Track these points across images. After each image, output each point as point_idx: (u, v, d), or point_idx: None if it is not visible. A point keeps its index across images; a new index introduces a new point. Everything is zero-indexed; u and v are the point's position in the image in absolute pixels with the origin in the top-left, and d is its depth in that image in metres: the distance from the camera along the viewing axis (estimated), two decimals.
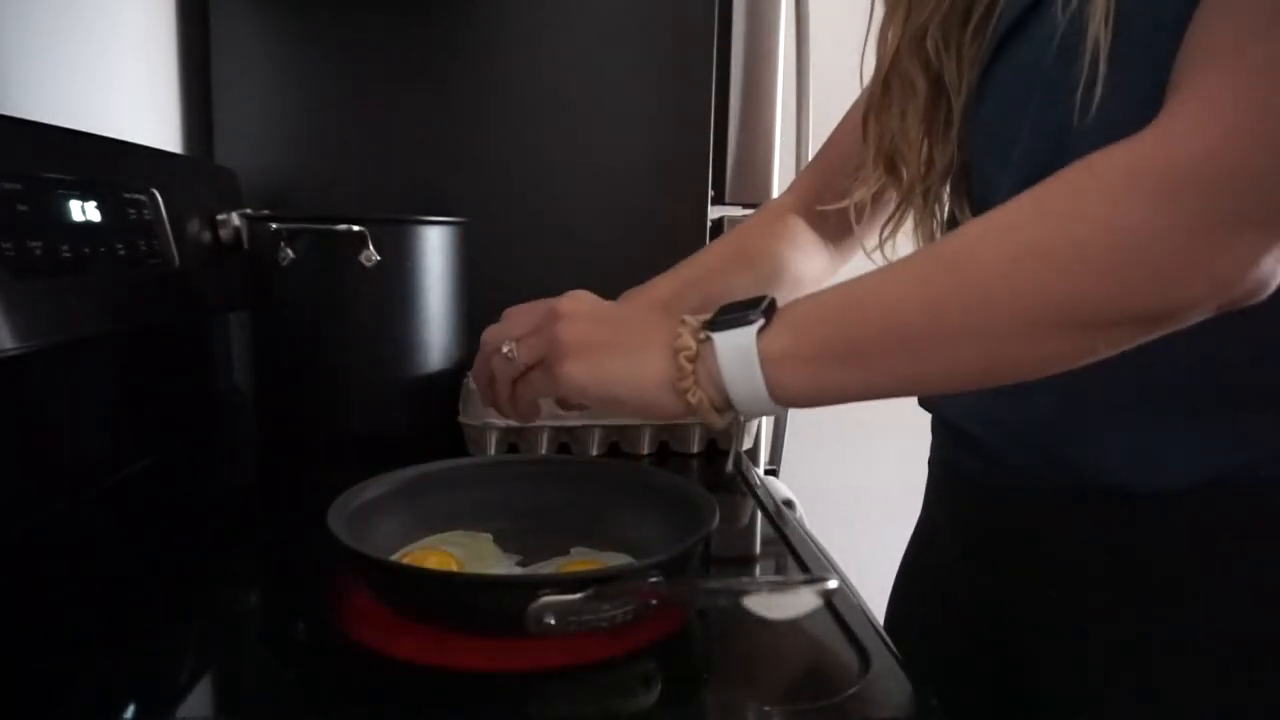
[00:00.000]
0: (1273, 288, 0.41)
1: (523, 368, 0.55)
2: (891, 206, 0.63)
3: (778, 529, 0.69)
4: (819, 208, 0.72)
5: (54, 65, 0.83)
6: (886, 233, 0.64)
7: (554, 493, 0.64)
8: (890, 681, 0.45)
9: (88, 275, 0.69)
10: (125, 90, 0.97)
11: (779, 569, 0.64)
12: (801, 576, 0.55)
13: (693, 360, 0.49)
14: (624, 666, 0.46)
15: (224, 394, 1.01)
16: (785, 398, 0.48)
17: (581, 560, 0.58)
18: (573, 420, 0.83)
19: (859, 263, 0.62)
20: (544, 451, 0.84)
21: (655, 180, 1.14)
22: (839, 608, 0.51)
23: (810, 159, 0.79)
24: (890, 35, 0.59)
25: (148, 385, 0.83)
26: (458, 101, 1.11)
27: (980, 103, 0.55)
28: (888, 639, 0.49)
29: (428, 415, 0.87)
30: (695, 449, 0.88)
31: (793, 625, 0.47)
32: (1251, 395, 0.48)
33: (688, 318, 0.50)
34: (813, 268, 0.73)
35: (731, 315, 0.48)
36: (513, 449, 0.84)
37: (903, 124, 0.59)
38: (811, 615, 0.45)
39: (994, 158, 0.54)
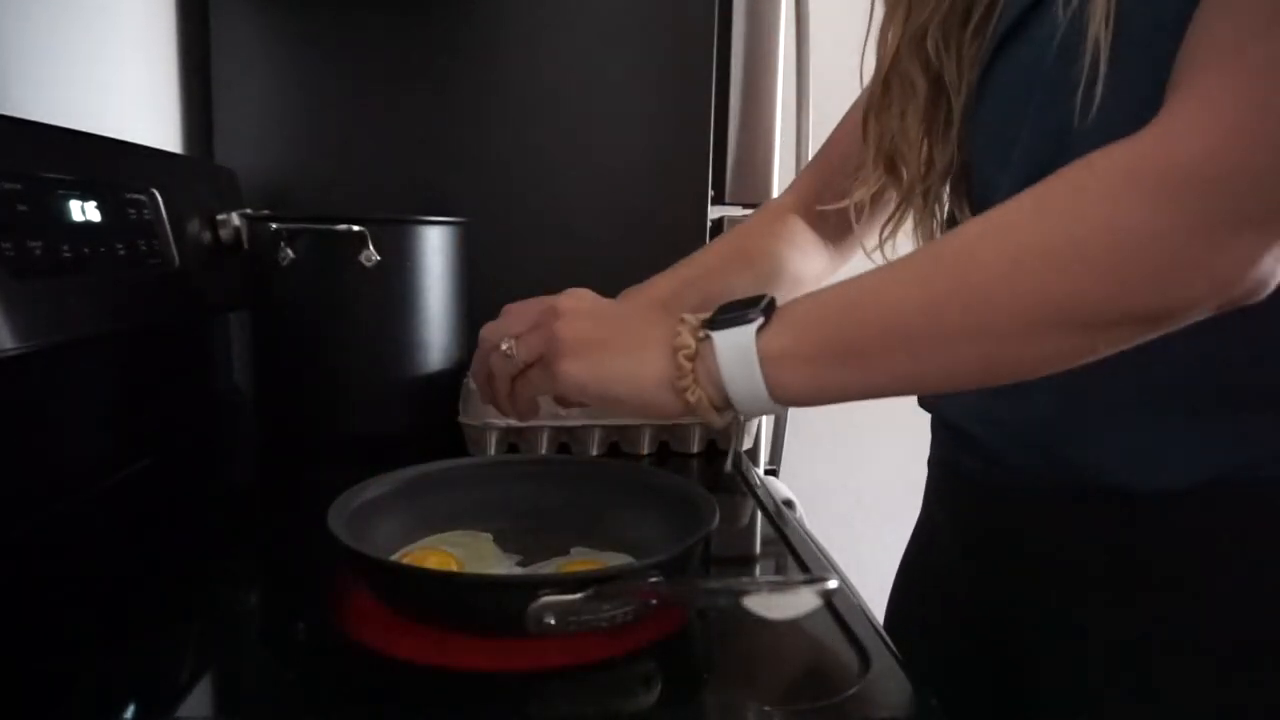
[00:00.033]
0: (1272, 287, 0.42)
1: (521, 365, 0.55)
2: (891, 206, 0.63)
3: (778, 529, 0.69)
4: (819, 207, 0.72)
5: (54, 65, 0.83)
6: (886, 233, 0.64)
7: (554, 493, 0.64)
8: (890, 681, 0.45)
9: (88, 275, 0.69)
10: (125, 90, 0.97)
11: (779, 569, 0.64)
12: (801, 576, 0.55)
13: (692, 359, 0.49)
14: (624, 666, 0.46)
15: (224, 394, 1.01)
16: (784, 397, 0.48)
17: (581, 560, 0.58)
18: (573, 420, 0.83)
19: (859, 262, 0.62)
20: (544, 451, 0.84)
21: (655, 180, 1.14)
22: (839, 608, 0.51)
23: (810, 159, 0.79)
24: (890, 35, 0.59)
25: (148, 385, 0.83)
26: (458, 101, 1.11)
27: (980, 103, 0.55)
28: (888, 639, 0.49)
29: (428, 415, 0.87)
30: (695, 449, 0.88)
31: (793, 625, 0.47)
32: (1251, 395, 0.48)
33: (687, 316, 0.50)
34: (812, 267, 0.73)
35: (731, 314, 0.48)
36: (513, 449, 0.84)
37: (903, 124, 0.59)
38: (811, 615, 0.45)
39: (994, 158, 0.54)
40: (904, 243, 0.63)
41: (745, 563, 0.67)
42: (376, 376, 0.87)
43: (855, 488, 1.86)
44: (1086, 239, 0.41)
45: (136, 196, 0.79)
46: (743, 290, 0.51)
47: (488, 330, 0.58)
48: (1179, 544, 0.50)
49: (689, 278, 0.69)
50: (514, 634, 0.45)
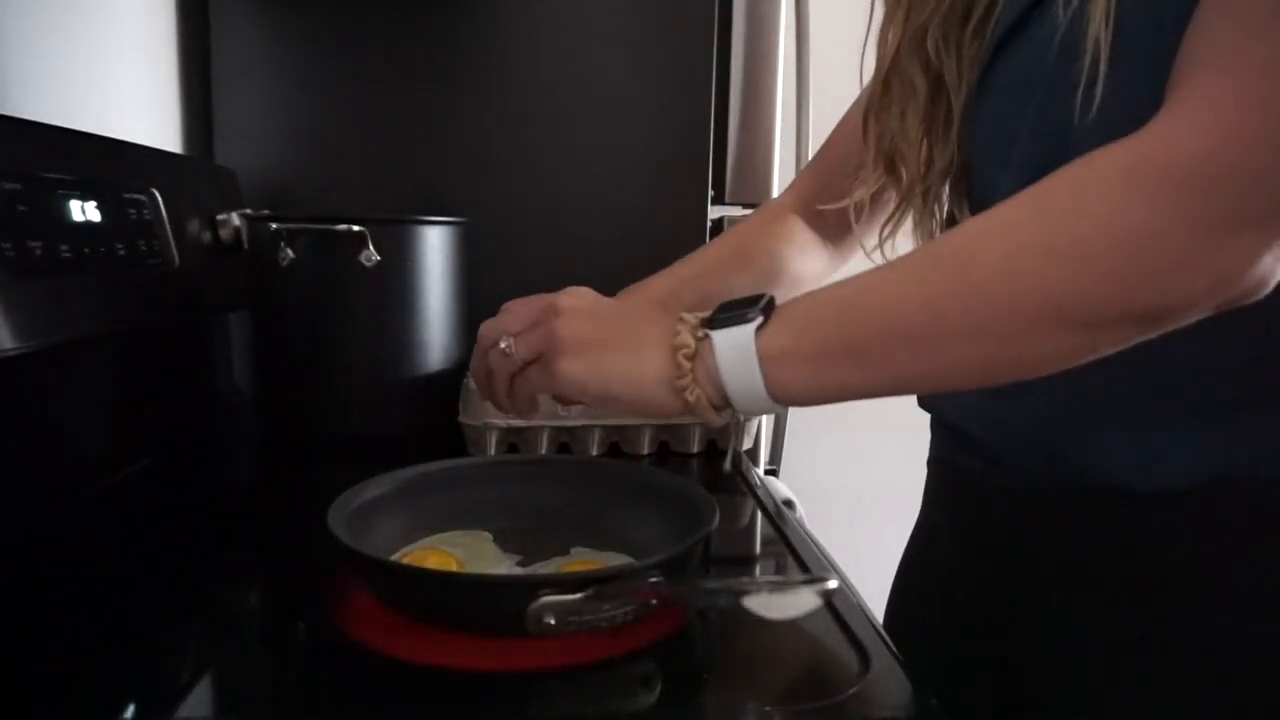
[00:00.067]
0: (1272, 286, 0.42)
1: (520, 364, 0.55)
2: (891, 206, 0.63)
3: (778, 529, 0.69)
4: (818, 207, 0.72)
5: (54, 65, 0.83)
6: (886, 232, 0.64)
7: (554, 493, 0.64)
8: (890, 681, 0.45)
9: (88, 275, 0.69)
10: (125, 90, 0.97)
11: (779, 569, 0.64)
12: (801, 576, 0.55)
13: (691, 358, 0.48)
14: (624, 666, 0.46)
15: (224, 394, 1.01)
16: (784, 396, 0.48)
17: (581, 560, 0.58)
18: (573, 420, 0.83)
19: (859, 262, 0.62)
20: (544, 451, 0.84)
21: (655, 180, 1.14)
22: (839, 608, 0.51)
23: (810, 159, 0.79)
24: (890, 35, 0.59)
25: (148, 385, 0.83)
26: (458, 101, 1.11)
27: (980, 102, 0.55)
28: (888, 639, 0.49)
29: (428, 415, 0.87)
30: (695, 449, 0.88)
31: (793, 625, 0.47)
32: (1251, 395, 0.48)
33: (686, 315, 0.50)
34: (812, 267, 0.73)
35: (730, 313, 0.48)
36: (513, 449, 0.84)
37: (903, 124, 0.59)
38: (811, 615, 0.45)
39: (994, 157, 0.54)
40: (904, 242, 0.63)
41: (745, 563, 0.67)
42: (376, 376, 0.87)
43: (855, 488, 1.86)
44: (1087, 238, 0.41)
45: (136, 196, 0.79)
46: (742, 290, 0.51)
47: (487, 327, 0.58)
48: (1179, 544, 0.50)
49: (688, 276, 0.69)
50: (514, 634, 0.45)
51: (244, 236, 0.91)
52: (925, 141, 0.59)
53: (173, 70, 1.07)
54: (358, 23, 1.10)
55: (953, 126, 0.58)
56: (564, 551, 0.59)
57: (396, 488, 0.61)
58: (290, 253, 0.82)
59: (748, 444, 0.94)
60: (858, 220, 0.66)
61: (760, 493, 0.77)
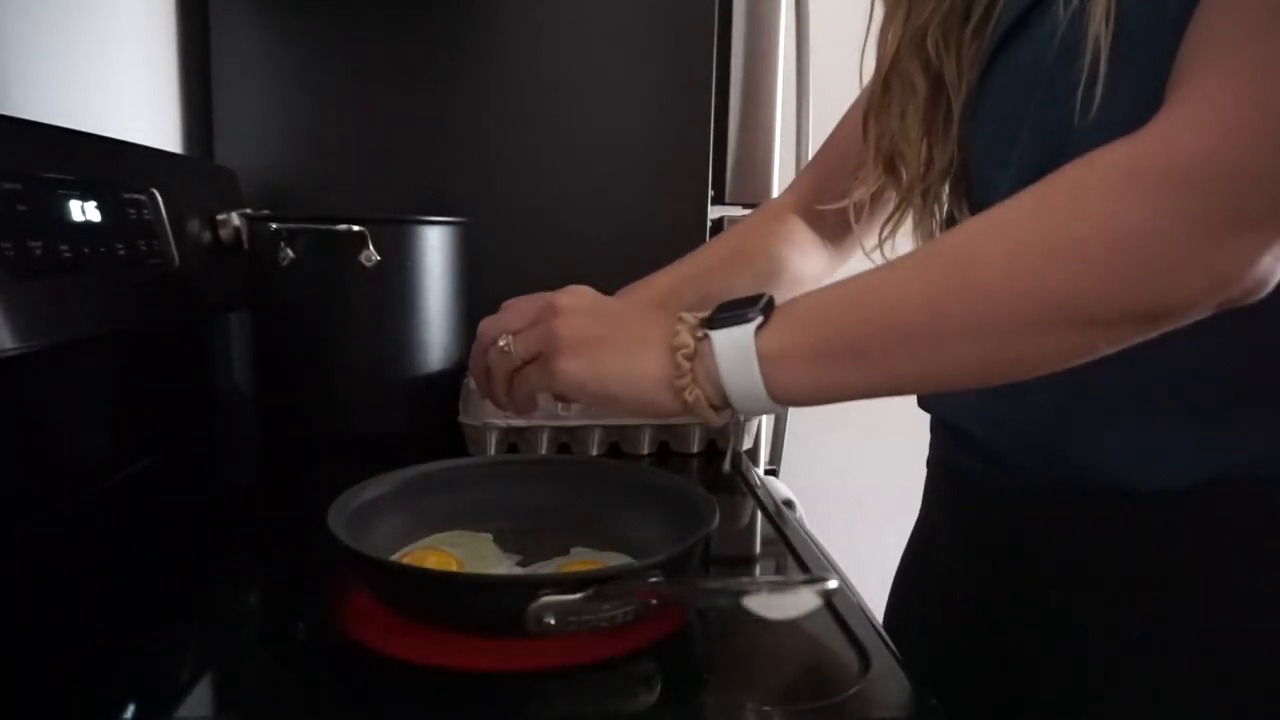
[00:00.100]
0: (1272, 286, 0.42)
1: (519, 362, 0.55)
2: (891, 206, 0.63)
3: (778, 529, 0.69)
4: (818, 207, 0.72)
5: (54, 65, 0.83)
6: (886, 232, 0.64)
7: (554, 493, 0.64)
8: (890, 681, 0.45)
9: (88, 275, 0.69)
10: (125, 90, 0.97)
11: (779, 569, 0.64)
12: (801, 576, 0.55)
13: (690, 358, 0.48)
14: (624, 666, 0.46)
15: (224, 394, 1.01)
16: (783, 396, 0.48)
17: (581, 560, 0.57)
18: (573, 420, 0.83)
19: (858, 262, 0.62)
20: (544, 451, 0.84)
21: (655, 180, 1.14)
22: (839, 608, 0.51)
23: (810, 159, 0.79)
24: (890, 35, 0.59)
25: (148, 385, 0.83)
26: (458, 101, 1.11)
27: (980, 102, 0.55)
28: (888, 639, 0.49)
29: (428, 415, 0.87)
30: (695, 449, 0.88)
31: (793, 625, 0.47)
32: (1251, 395, 0.48)
33: (686, 315, 0.50)
34: (811, 267, 0.73)
35: (730, 313, 0.48)
36: (513, 449, 0.84)
37: (903, 124, 0.59)
38: (811, 615, 0.45)
39: (994, 158, 0.54)
40: (903, 242, 0.63)
41: (745, 563, 0.67)
42: (376, 376, 0.87)
43: (855, 488, 1.86)
44: (1087, 237, 0.41)
45: (136, 196, 0.79)
46: (741, 289, 0.51)
47: (486, 324, 0.58)
48: (1179, 544, 0.50)
49: (687, 275, 0.69)
50: (514, 634, 0.45)
51: (244, 236, 0.91)
52: (925, 141, 0.59)
53: (173, 70, 1.07)
54: (358, 23, 1.10)
55: (953, 126, 0.58)
56: (564, 551, 0.59)
57: (396, 488, 0.61)
58: (290, 253, 0.82)
59: (748, 444, 0.94)
60: (858, 220, 0.66)
61: (760, 493, 0.77)
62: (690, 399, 0.49)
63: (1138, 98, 0.43)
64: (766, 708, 0.43)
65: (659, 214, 1.14)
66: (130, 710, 0.44)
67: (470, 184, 1.12)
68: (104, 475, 0.76)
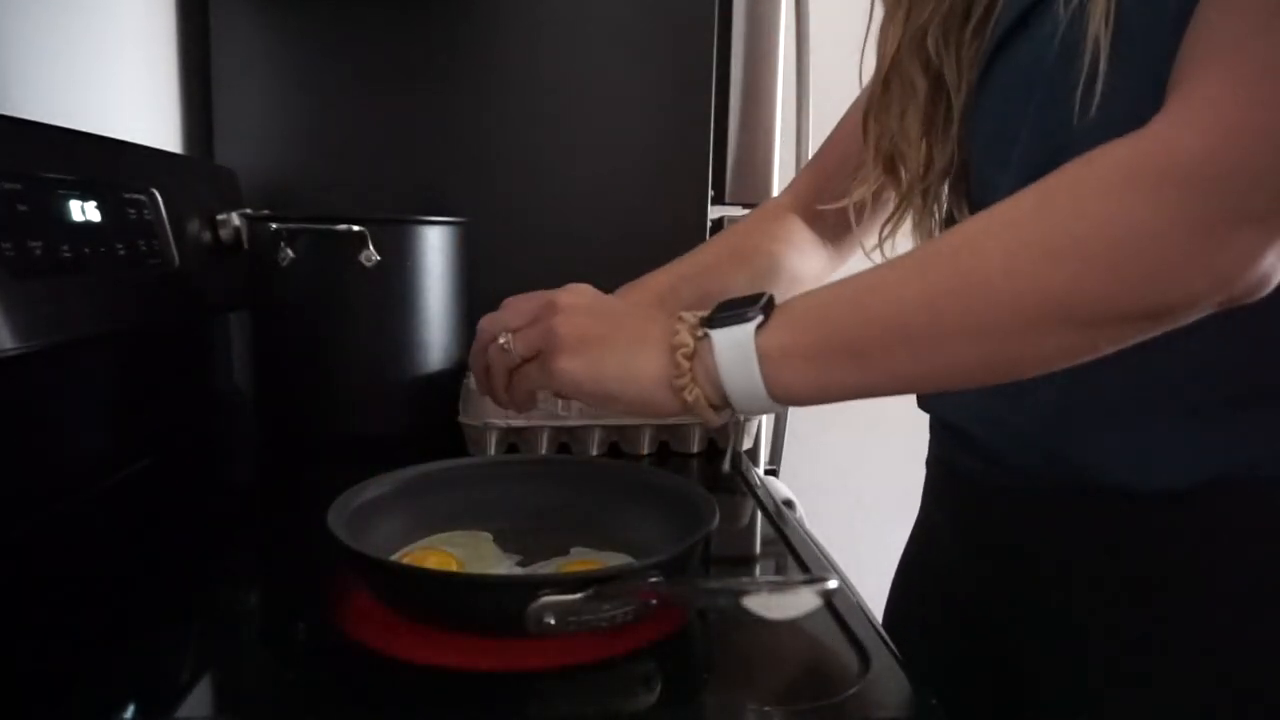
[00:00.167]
0: (1273, 285, 0.42)
1: (519, 360, 0.55)
2: (891, 206, 0.63)
3: (778, 529, 0.69)
4: (818, 207, 0.72)
5: (54, 65, 0.83)
6: (885, 232, 0.64)
7: (554, 493, 0.64)
8: (890, 681, 0.45)
9: (88, 275, 0.69)
10: (125, 90, 0.97)
11: (779, 569, 0.64)
12: (801, 576, 0.55)
13: (690, 358, 0.48)
14: (624, 666, 0.46)
15: (224, 394, 1.01)
16: (783, 396, 0.48)
17: (581, 560, 0.57)
18: (573, 420, 0.83)
19: (858, 262, 0.62)
20: (544, 451, 0.84)
21: (655, 180, 1.14)
22: (839, 608, 0.51)
23: (810, 159, 0.79)
24: (890, 35, 0.59)
25: (148, 385, 0.83)
26: (458, 101, 1.11)
27: (980, 102, 0.55)
28: (888, 639, 0.48)
29: (428, 415, 0.87)
30: (695, 449, 0.88)
31: (793, 625, 0.47)
32: (1251, 395, 0.48)
33: (685, 315, 0.50)
34: (810, 267, 0.73)
35: (729, 312, 0.48)
36: (513, 449, 0.84)
37: (903, 124, 0.59)
38: (811, 615, 0.45)
39: (994, 157, 0.54)
40: (903, 242, 0.63)
41: (745, 563, 0.67)
42: (376, 376, 0.87)
43: (855, 488, 1.86)
44: (1087, 236, 0.41)
45: (136, 196, 0.79)
46: (739, 288, 0.51)
47: (486, 321, 0.58)
48: (1179, 544, 0.50)
49: (685, 274, 0.69)
50: (514, 634, 0.45)
51: (244, 236, 0.91)
52: (925, 141, 0.59)
53: (173, 70, 1.07)
54: (358, 23, 1.10)
55: (953, 126, 0.58)
56: (564, 551, 0.59)
57: (396, 488, 0.61)
58: (290, 253, 0.82)
59: (748, 444, 0.94)
60: (858, 220, 0.66)
61: (760, 493, 0.77)
62: (690, 398, 0.49)
63: (1138, 98, 0.43)
64: (766, 708, 0.43)
65: (659, 214, 1.14)
66: (130, 710, 0.44)
67: (470, 184, 1.12)
68: (104, 475, 0.76)
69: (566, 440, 0.86)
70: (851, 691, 0.44)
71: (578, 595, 0.45)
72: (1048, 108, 0.48)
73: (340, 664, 0.48)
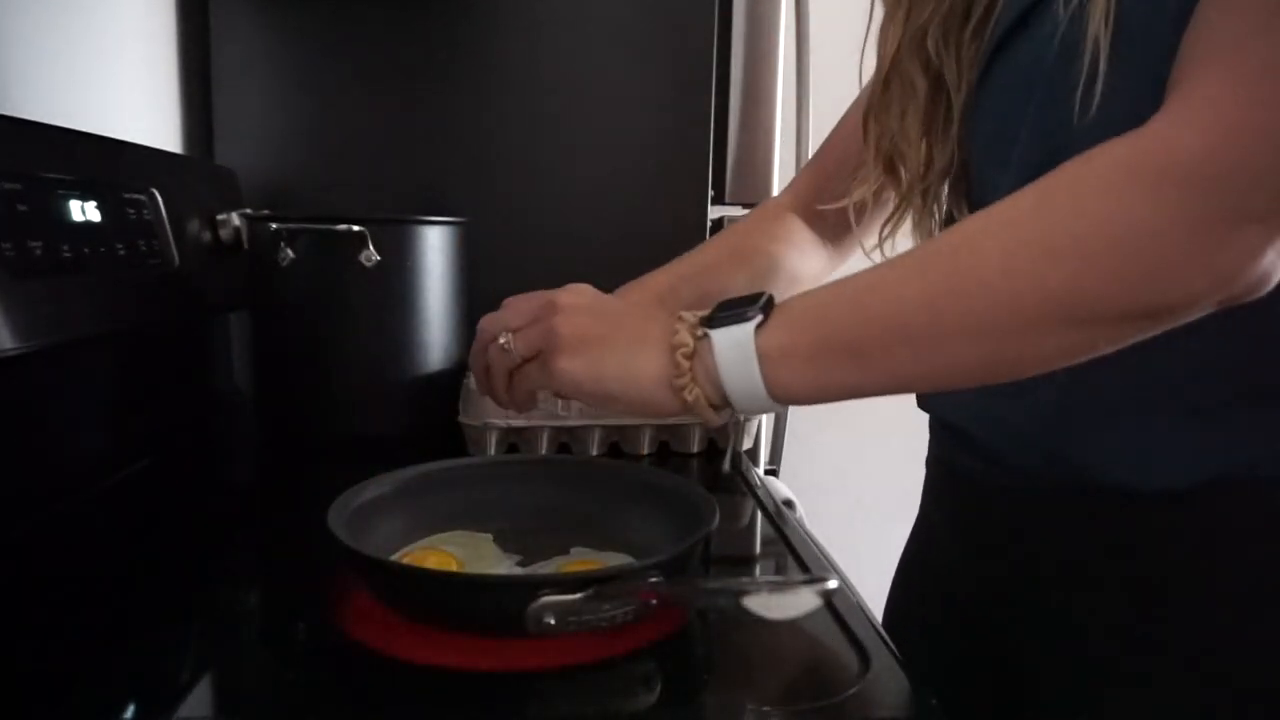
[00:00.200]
0: (1273, 284, 0.42)
1: (519, 360, 0.55)
2: (890, 206, 0.63)
3: (778, 529, 0.69)
4: (818, 207, 0.72)
5: (54, 65, 0.83)
6: (885, 232, 0.64)
7: (554, 493, 0.64)
8: (890, 681, 0.45)
9: (88, 275, 0.69)
10: (125, 90, 0.97)
11: (779, 569, 0.64)
12: (801, 576, 0.55)
13: (690, 357, 0.48)
14: (624, 666, 0.46)
15: (224, 394, 1.01)
16: (783, 395, 0.48)
17: (581, 560, 0.57)
18: (573, 420, 0.83)
19: (858, 262, 0.62)
20: (544, 451, 0.84)
21: (655, 180, 1.14)
22: (839, 608, 0.51)
23: (810, 159, 0.79)
24: (890, 35, 0.59)
25: (148, 385, 0.83)
26: (458, 101, 1.11)
27: (980, 102, 0.55)
28: (888, 639, 0.49)
29: (428, 415, 0.87)
30: (695, 449, 0.88)
31: (793, 625, 0.47)
32: (1251, 395, 0.48)
33: (685, 314, 0.50)
34: (810, 266, 0.73)
35: (729, 312, 0.48)
36: (513, 449, 0.84)
37: (903, 124, 0.59)
38: (811, 615, 0.45)
39: (994, 157, 0.54)
40: (903, 242, 0.63)
41: (745, 563, 0.67)
42: (376, 376, 0.87)
43: (855, 488, 1.86)
44: (1087, 235, 0.41)
45: (136, 196, 0.79)
46: (739, 288, 0.51)
47: (486, 321, 0.58)
48: (1179, 544, 0.50)
49: (685, 274, 0.69)
50: (514, 634, 0.45)
51: (244, 236, 0.91)
52: (925, 141, 0.59)
53: (173, 70, 1.07)
54: (358, 23, 1.10)
55: (952, 126, 0.58)
56: (564, 551, 0.59)
57: (396, 488, 0.61)
58: (290, 253, 0.82)
59: (748, 444, 0.94)
60: (858, 220, 0.66)
61: (760, 493, 0.77)
62: (690, 398, 0.49)
63: (1138, 97, 0.43)
64: (766, 708, 0.43)
65: (659, 214, 1.14)
66: (130, 710, 0.44)
67: (470, 184, 1.12)
68: (104, 475, 0.76)
69: (566, 440, 0.86)
70: (851, 691, 0.44)
71: (578, 595, 0.45)
72: (1047, 108, 0.48)
73: (340, 664, 0.48)
